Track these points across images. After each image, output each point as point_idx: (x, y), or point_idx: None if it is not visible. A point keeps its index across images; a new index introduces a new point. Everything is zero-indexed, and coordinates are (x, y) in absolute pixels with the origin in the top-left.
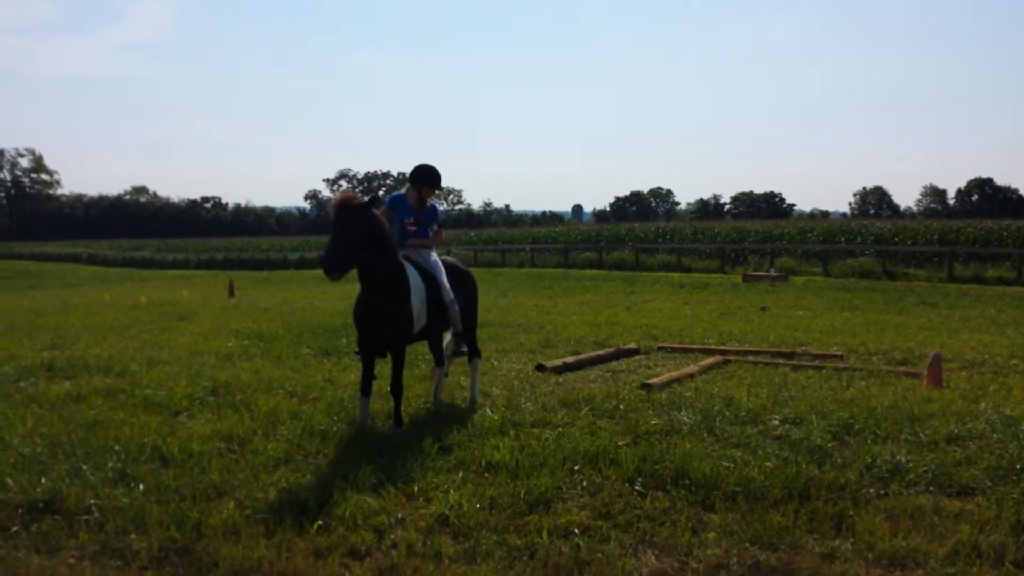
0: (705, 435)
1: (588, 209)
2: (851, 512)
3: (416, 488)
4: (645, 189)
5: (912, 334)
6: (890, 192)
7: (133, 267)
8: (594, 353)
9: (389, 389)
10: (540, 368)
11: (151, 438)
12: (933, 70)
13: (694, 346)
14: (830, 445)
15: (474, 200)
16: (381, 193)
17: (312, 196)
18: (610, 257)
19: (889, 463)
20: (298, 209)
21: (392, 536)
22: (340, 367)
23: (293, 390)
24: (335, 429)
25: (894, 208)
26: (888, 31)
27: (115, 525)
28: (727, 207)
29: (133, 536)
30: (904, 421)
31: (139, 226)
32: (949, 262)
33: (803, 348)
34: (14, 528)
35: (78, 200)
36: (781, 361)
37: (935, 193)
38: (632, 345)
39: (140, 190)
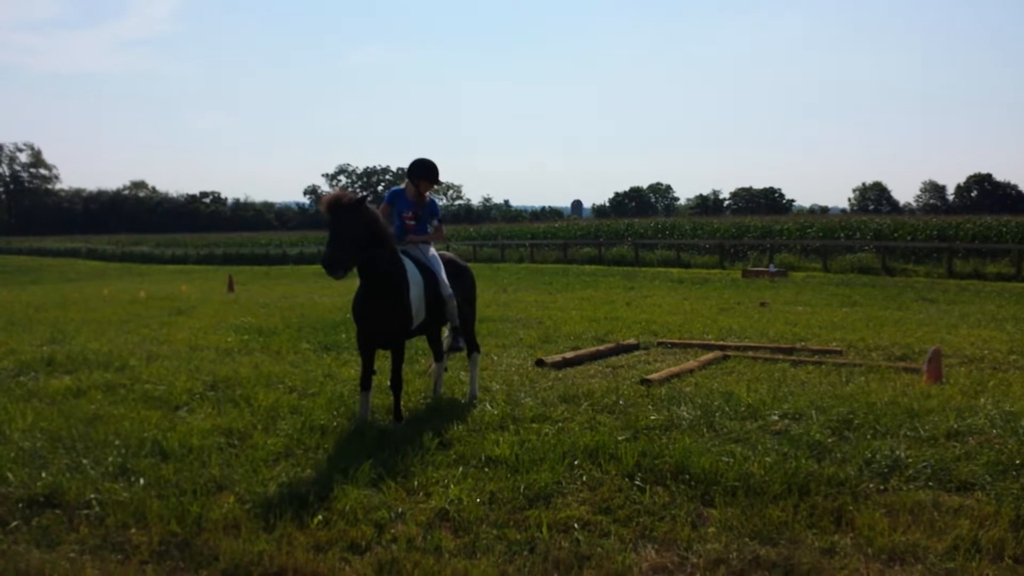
0: (705, 430)
1: (587, 205)
2: (850, 507)
3: (416, 483)
4: (644, 185)
5: (911, 330)
6: (889, 188)
7: (132, 262)
8: (594, 348)
9: (389, 384)
10: (540, 363)
11: (151, 433)
12: (933, 66)
13: (694, 341)
14: (829, 440)
15: (473, 196)
16: (380, 188)
17: (311, 191)
18: (609, 253)
19: (888, 458)
20: (297, 204)
21: (392, 530)
22: (340, 362)
23: (293, 385)
24: (335, 424)
25: (893, 204)
26: (888, 27)
27: (115, 519)
28: (726, 203)
29: (133, 530)
30: (903, 416)
31: (138, 221)
32: (948, 258)
33: (802, 344)
34: (14, 522)
35: (77, 195)
36: (780, 357)
37: (934, 189)
38: (632, 341)
39: (139, 185)
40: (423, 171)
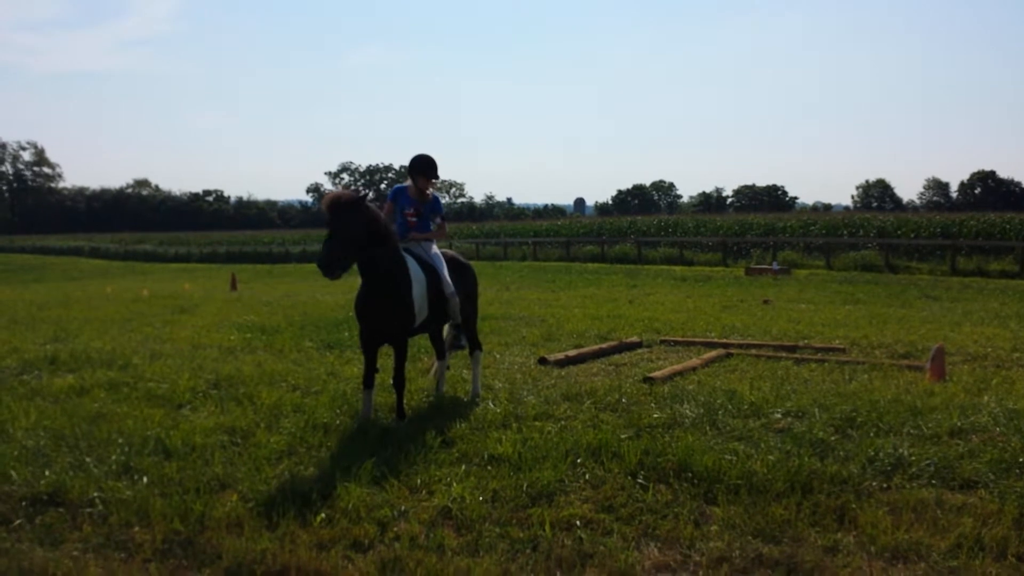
0: (707, 428)
1: (590, 202)
2: (853, 505)
3: (419, 481)
4: (647, 182)
5: (915, 327)
6: (893, 185)
7: (135, 260)
8: (596, 346)
9: (391, 382)
10: (542, 361)
11: (154, 431)
12: (933, 65)
13: (696, 339)
14: (832, 438)
15: (476, 193)
16: (383, 186)
17: (314, 189)
18: (612, 250)
19: (892, 456)
20: (300, 202)
21: (395, 529)
22: (342, 360)
23: (296, 383)
24: (338, 422)
25: (897, 201)
26: (888, 27)
27: (119, 517)
28: (729, 200)
29: (137, 528)
30: (907, 414)
31: (141, 219)
32: (952, 255)
33: (806, 341)
34: (18, 521)
35: (80, 193)
36: (784, 354)
37: (938, 186)
38: (635, 338)
39: (142, 183)
40: (420, 166)
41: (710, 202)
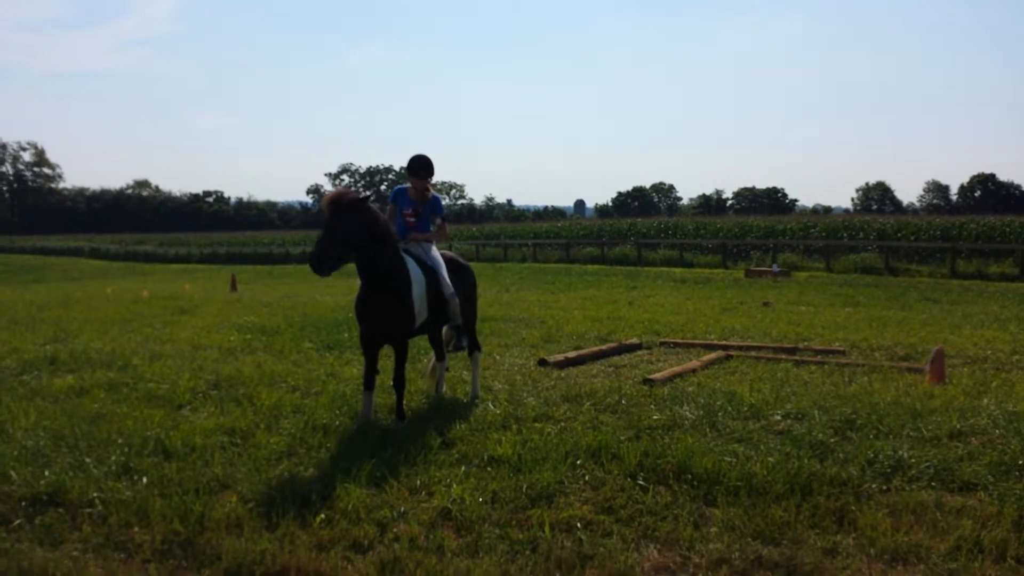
0: (707, 430)
1: (590, 204)
2: (853, 507)
3: (418, 482)
4: (647, 184)
5: (914, 330)
6: (893, 188)
7: (135, 261)
8: (596, 348)
9: (391, 383)
10: (542, 363)
11: (154, 431)
12: (934, 66)
13: (696, 341)
14: (832, 440)
15: (476, 195)
16: (384, 188)
17: (314, 190)
18: (612, 252)
19: (891, 458)
20: (300, 203)
21: (395, 530)
22: (342, 361)
23: (295, 384)
24: (337, 423)
25: (896, 204)
26: (888, 27)
27: (118, 518)
28: (729, 202)
29: (136, 529)
30: (906, 417)
31: (141, 220)
32: (951, 258)
33: (805, 344)
34: (17, 521)
35: (80, 194)
36: (783, 356)
37: (938, 189)
38: (634, 340)
39: (142, 184)
40: (415, 166)
41: (710, 204)
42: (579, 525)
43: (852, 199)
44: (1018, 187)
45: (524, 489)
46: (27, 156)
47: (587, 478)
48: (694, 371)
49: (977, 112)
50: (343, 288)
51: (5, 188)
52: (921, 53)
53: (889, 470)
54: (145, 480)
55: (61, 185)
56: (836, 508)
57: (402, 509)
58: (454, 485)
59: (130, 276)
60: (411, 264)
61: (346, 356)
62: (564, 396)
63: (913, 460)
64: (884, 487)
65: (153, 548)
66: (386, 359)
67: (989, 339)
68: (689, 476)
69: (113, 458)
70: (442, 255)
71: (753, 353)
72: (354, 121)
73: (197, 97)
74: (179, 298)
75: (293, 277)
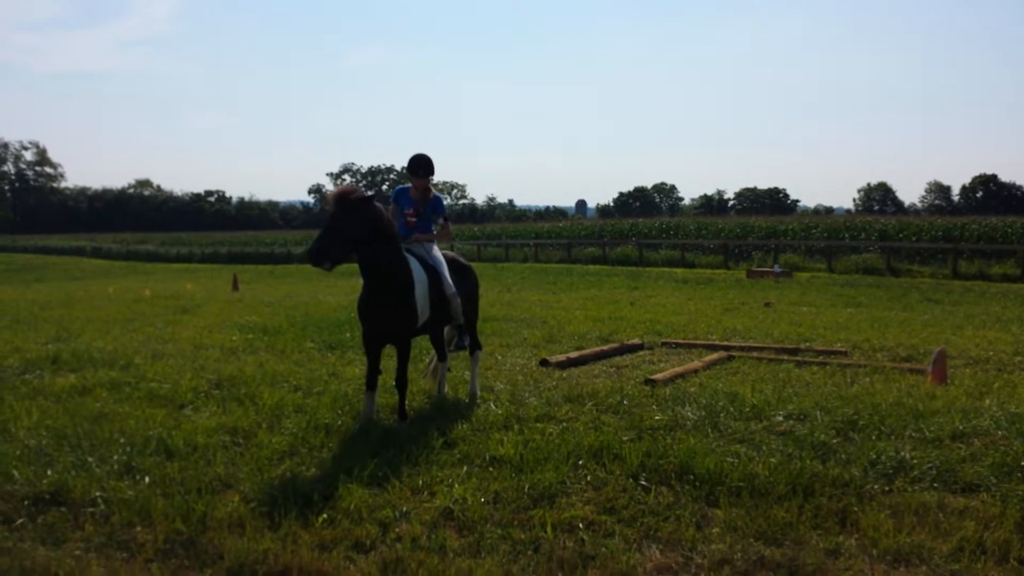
0: (709, 431)
1: (592, 204)
2: (855, 508)
3: (420, 482)
4: (649, 184)
5: (916, 331)
6: (894, 188)
7: (137, 260)
8: (598, 348)
9: (394, 383)
10: (544, 363)
11: (156, 431)
12: (934, 66)
13: (698, 342)
14: (834, 441)
15: (478, 195)
16: (385, 187)
17: (316, 190)
18: (614, 252)
19: (893, 459)
20: (302, 203)
21: (397, 529)
22: (344, 361)
23: (297, 384)
24: (339, 423)
25: (898, 205)
26: (888, 27)
27: (120, 517)
28: (731, 203)
29: (138, 528)
30: (908, 417)
31: (143, 219)
32: (953, 259)
33: (807, 344)
34: (20, 520)
35: (82, 193)
36: (785, 357)
37: (939, 190)
38: (636, 341)
39: (144, 183)
40: (415, 165)
41: (712, 204)
42: (581, 525)
43: (854, 200)
44: (1020, 188)
45: (526, 489)
46: (29, 155)
47: (589, 478)
48: (696, 372)
49: (979, 113)
50: (345, 288)
51: (7, 187)
52: (921, 53)
53: (891, 471)
54: (147, 479)
55: (63, 184)
56: (838, 509)
57: (404, 509)
58: (456, 485)
59: (132, 275)
60: (414, 263)
61: (348, 356)
62: (566, 396)
63: (915, 461)
64: (886, 488)
65: (155, 547)
66: (388, 359)
67: (991, 340)
68: (691, 477)
69: (115, 457)
70: (444, 255)
71: (755, 354)
72: (354, 121)
73: (197, 97)
74: (181, 297)
75: (295, 277)
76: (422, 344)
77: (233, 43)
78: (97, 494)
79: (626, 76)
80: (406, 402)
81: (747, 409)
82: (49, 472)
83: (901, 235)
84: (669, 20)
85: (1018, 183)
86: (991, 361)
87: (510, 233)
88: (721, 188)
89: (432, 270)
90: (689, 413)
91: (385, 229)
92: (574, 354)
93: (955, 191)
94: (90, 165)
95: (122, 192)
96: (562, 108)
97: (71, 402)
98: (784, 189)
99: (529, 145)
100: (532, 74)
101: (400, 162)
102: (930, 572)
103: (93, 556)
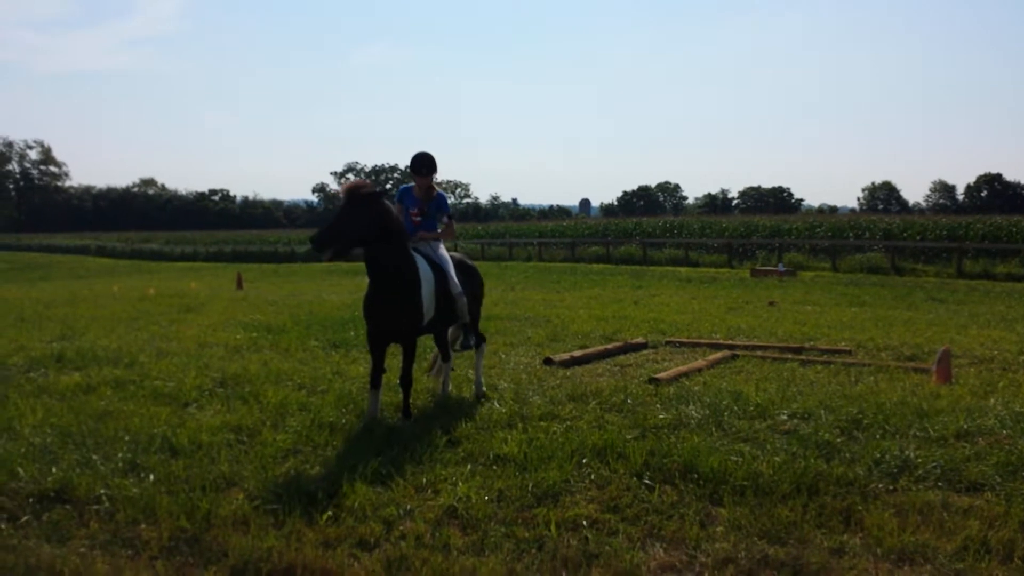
0: (713, 429)
1: (595, 203)
2: (860, 507)
3: (424, 480)
4: (653, 183)
5: (921, 330)
6: (899, 187)
7: (141, 259)
8: (602, 347)
9: (398, 381)
10: (548, 362)
11: (161, 429)
12: (936, 66)
13: (702, 341)
14: (839, 440)
15: (481, 194)
16: (389, 186)
17: (320, 189)
18: (617, 251)
19: (898, 458)
20: (306, 202)
21: (401, 527)
22: (348, 359)
23: (302, 382)
24: (344, 421)
25: (903, 204)
26: (888, 27)
27: (125, 515)
28: (735, 202)
29: (143, 526)
30: (913, 417)
31: (147, 218)
32: (958, 258)
33: (811, 343)
34: (25, 517)
35: (87, 192)
36: (789, 356)
37: (944, 189)
38: (640, 339)
39: (148, 182)
40: (418, 164)
41: (715, 204)
42: (585, 524)
43: (858, 199)
44: None
45: (530, 488)
46: (33, 154)
47: (593, 477)
48: (700, 370)
49: (983, 112)
50: (349, 286)
51: (12, 186)
52: (923, 52)
53: (896, 470)
54: (152, 477)
55: (67, 183)
56: (842, 508)
57: (408, 507)
58: (460, 483)
59: (136, 274)
60: (420, 262)
61: (352, 354)
62: (570, 395)
63: (920, 460)
64: (891, 487)
65: (160, 545)
66: (392, 358)
67: (996, 339)
68: (695, 475)
69: (120, 455)
70: (449, 256)
71: (759, 352)
72: (356, 121)
73: (200, 96)
74: (185, 296)
75: (299, 275)
76: (427, 343)
77: (236, 43)
78: (102, 492)
79: (626, 76)
80: (410, 401)
81: (751, 408)
82: (54, 470)
83: (905, 234)
84: (669, 20)
85: (1023, 182)
86: (996, 360)
87: (514, 232)
88: (725, 187)
89: (438, 269)
90: (693, 412)
91: (392, 226)
92: (578, 353)
93: (959, 190)
94: (94, 164)
95: (126, 191)
96: (562, 108)
97: (76, 400)
98: (788, 188)
99: (530, 145)
100: (532, 74)
101: (403, 161)
102: (934, 571)
103: (98, 553)
